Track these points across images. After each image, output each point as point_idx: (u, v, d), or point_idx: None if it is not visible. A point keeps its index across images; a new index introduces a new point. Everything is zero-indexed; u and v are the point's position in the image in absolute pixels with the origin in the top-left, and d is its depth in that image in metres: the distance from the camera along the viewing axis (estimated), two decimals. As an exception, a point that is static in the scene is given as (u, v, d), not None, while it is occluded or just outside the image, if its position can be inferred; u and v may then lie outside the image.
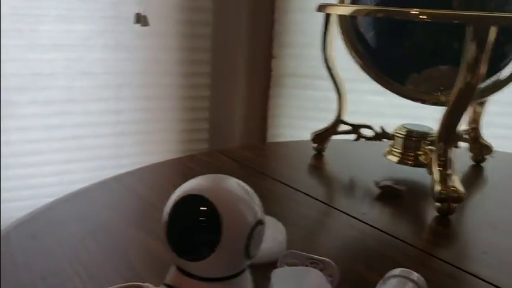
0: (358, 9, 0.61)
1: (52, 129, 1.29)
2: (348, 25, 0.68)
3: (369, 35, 0.63)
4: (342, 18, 0.69)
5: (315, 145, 0.79)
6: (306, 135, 0.80)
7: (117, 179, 0.65)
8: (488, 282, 0.44)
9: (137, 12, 0.90)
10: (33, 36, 1.21)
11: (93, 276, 0.42)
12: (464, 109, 0.56)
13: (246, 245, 0.26)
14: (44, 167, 1.30)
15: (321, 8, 0.68)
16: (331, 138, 0.79)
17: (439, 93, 0.62)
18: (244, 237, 0.26)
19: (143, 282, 0.40)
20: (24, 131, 1.26)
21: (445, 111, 0.57)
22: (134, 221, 0.53)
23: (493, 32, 0.52)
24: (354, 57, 0.68)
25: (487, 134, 0.76)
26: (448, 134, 0.57)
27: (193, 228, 0.26)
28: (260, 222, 0.27)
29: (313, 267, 0.39)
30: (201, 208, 0.26)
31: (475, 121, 0.75)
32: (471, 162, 0.78)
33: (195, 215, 0.26)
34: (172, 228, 0.27)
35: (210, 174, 0.30)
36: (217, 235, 0.25)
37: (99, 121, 1.36)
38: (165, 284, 0.29)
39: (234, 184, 0.29)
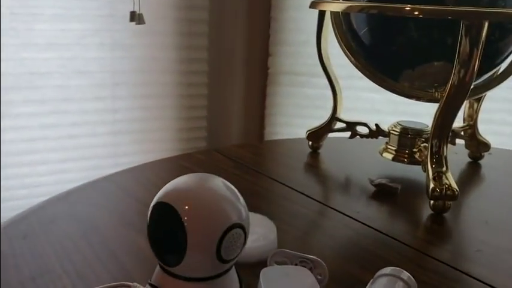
0: (350, 6, 0.61)
1: (48, 128, 1.29)
2: (342, 22, 0.68)
3: (362, 32, 0.63)
4: (335, 15, 0.69)
5: (311, 143, 0.79)
6: (304, 133, 0.80)
7: (110, 178, 0.65)
8: (480, 281, 0.44)
9: (132, 10, 0.90)
10: (28, 35, 1.21)
11: (83, 276, 0.41)
12: (458, 106, 0.56)
13: (218, 250, 0.26)
14: (40, 166, 1.30)
15: (314, 4, 0.68)
16: (327, 136, 0.78)
17: (434, 90, 0.62)
18: (212, 243, 0.26)
19: (132, 282, 0.40)
20: (19, 130, 1.26)
21: (438, 107, 0.57)
22: (126, 220, 0.53)
23: (486, 28, 0.52)
24: (347, 54, 0.68)
25: (485, 130, 0.76)
26: (442, 131, 0.57)
27: (161, 236, 0.27)
28: (237, 226, 0.27)
29: (303, 266, 0.39)
30: (167, 216, 0.26)
31: (471, 118, 0.75)
32: (468, 160, 0.77)
33: (161, 223, 0.27)
34: (149, 233, 0.28)
35: (194, 174, 0.30)
36: (183, 242, 0.26)
37: (96, 120, 1.35)
38: (150, 284, 0.29)
39: (214, 186, 0.28)
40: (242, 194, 0.30)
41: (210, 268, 0.27)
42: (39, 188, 1.29)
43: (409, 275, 0.36)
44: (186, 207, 0.26)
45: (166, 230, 0.26)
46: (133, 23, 0.90)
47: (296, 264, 0.40)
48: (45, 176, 1.31)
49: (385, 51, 0.62)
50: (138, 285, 0.39)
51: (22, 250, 0.45)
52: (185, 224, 0.26)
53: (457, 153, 0.77)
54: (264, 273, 0.37)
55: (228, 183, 0.30)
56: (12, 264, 0.43)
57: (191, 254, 0.26)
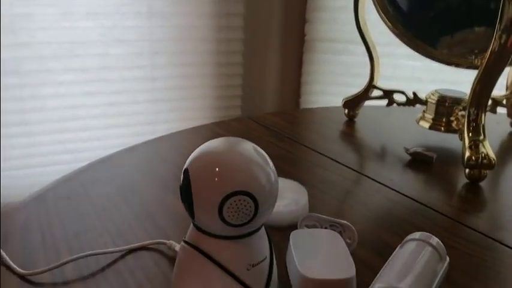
0: (389, -30, 0.59)
1: (89, 95, 1.33)
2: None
3: (400, -3, 0.61)
4: (373, -21, 0.67)
5: (347, 111, 0.79)
6: (340, 101, 0.79)
7: (149, 143, 0.67)
8: (513, 249, 0.43)
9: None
10: (68, 5, 1.23)
11: (122, 234, 0.44)
12: (498, 73, 0.54)
13: (219, 213, 0.27)
14: (82, 132, 1.35)
15: (352, -31, 0.66)
16: (364, 104, 0.78)
17: (473, 57, 0.60)
18: (213, 206, 0.27)
19: (168, 240, 0.42)
20: (61, 97, 1.30)
21: (477, 74, 0.55)
22: (162, 183, 0.55)
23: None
24: (385, 20, 0.66)
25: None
26: (480, 98, 0.56)
27: (183, 194, 0.29)
28: (241, 193, 0.27)
29: (333, 230, 0.39)
30: (185, 178, 0.29)
31: (514, 86, 0.72)
32: (510, 129, 0.75)
33: (184, 184, 0.29)
34: (180, 192, 0.30)
35: (227, 138, 0.31)
36: (190, 202, 0.28)
37: (136, 88, 1.38)
38: (184, 241, 0.31)
39: (241, 150, 0.29)
40: (275, 161, 0.31)
41: (221, 229, 0.28)
42: (81, 154, 1.34)
43: (438, 240, 0.37)
44: (197, 171, 0.28)
45: (185, 189, 0.29)
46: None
47: (326, 228, 0.41)
48: (87, 142, 1.36)
49: (423, 16, 0.61)
50: (174, 242, 0.41)
51: (66, 210, 0.48)
52: (192, 185, 0.28)
53: (498, 122, 0.75)
54: (294, 235, 0.38)
55: (259, 149, 0.30)
56: (57, 222, 0.45)
57: (197, 212, 0.28)
